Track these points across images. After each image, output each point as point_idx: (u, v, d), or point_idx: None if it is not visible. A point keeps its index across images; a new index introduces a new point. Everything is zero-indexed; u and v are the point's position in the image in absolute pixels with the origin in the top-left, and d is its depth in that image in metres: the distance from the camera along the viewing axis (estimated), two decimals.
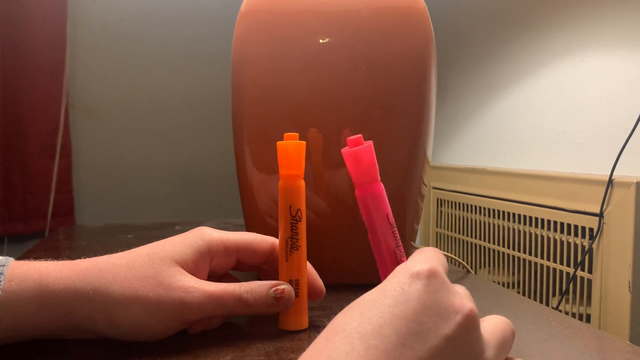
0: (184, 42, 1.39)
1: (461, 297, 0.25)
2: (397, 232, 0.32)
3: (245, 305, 0.34)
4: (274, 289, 0.35)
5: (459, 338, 0.24)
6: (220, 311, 0.34)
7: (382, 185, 0.32)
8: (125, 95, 1.37)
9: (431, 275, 0.25)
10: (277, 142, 0.36)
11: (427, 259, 0.26)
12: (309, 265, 0.38)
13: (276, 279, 0.39)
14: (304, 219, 0.36)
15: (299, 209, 0.36)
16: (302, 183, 0.37)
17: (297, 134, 0.36)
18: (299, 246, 0.36)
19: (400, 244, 0.32)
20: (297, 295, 0.36)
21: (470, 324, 0.24)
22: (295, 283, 0.36)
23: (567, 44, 0.93)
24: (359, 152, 0.31)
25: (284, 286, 0.35)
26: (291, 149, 0.36)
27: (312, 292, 0.38)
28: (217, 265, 0.36)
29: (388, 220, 0.32)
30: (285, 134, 0.36)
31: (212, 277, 0.37)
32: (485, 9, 1.16)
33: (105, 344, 0.34)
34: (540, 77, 0.99)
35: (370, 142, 0.32)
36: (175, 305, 0.32)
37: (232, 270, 0.39)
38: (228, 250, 0.36)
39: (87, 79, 1.34)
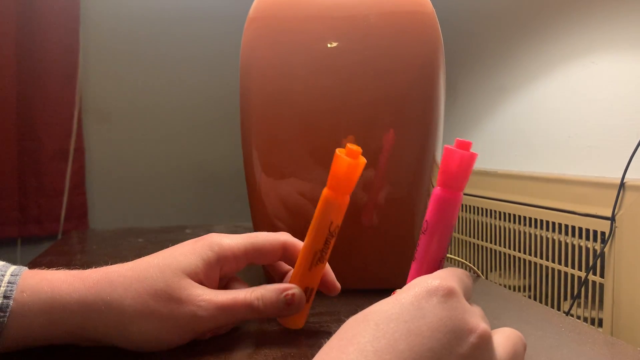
0: (195, 46, 1.40)
1: (476, 317, 0.25)
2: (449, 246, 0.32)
3: (256, 311, 0.34)
4: (285, 293, 0.35)
5: (472, 357, 0.24)
6: (232, 320, 0.34)
7: (462, 196, 0.31)
8: (138, 100, 1.38)
9: (448, 293, 0.25)
10: (337, 153, 0.34)
11: (447, 276, 0.26)
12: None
13: (283, 271, 0.39)
14: (336, 234, 0.36)
15: (338, 225, 0.35)
16: (348, 199, 0.35)
17: (360, 149, 0.34)
18: (325, 260, 0.36)
19: (445, 257, 0.32)
20: (307, 301, 0.37)
21: (484, 345, 0.25)
22: (309, 291, 0.36)
23: (577, 46, 0.92)
24: (467, 157, 0.30)
25: (294, 290, 0.35)
26: (352, 167, 0.34)
27: (328, 288, 0.38)
28: (228, 271, 0.37)
29: (451, 231, 0.31)
30: (348, 145, 0.34)
31: (222, 279, 0.37)
32: (495, 11, 1.15)
33: (113, 350, 0.34)
34: (551, 80, 0.98)
35: (477, 154, 0.30)
36: (188, 319, 0.33)
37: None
38: (237, 258, 0.36)
39: (99, 84, 1.35)
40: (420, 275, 0.30)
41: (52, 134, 1.28)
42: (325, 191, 0.35)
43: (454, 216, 0.31)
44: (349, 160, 0.33)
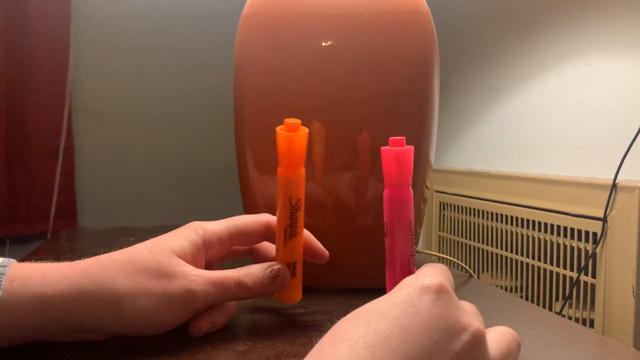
0: (187, 44, 1.40)
1: (468, 315, 0.25)
2: (414, 241, 0.32)
3: (245, 288, 0.35)
4: (270, 269, 0.36)
5: (466, 355, 0.24)
6: (223, 296, 0.35)
7: (412, 191, 0.32)
8: (128, 98, 1.37)
9: (440, 290, 0.25)
10: (277, 130, 0.35)
11: (435, 273, 0.26)
12: (307, 232, 0.39)
13: (270, 258, 0.39)
14: (303, 207, 0.37)
15: (299, 199, 0.36)
16: (303, 171, 0.36)
17: (299, 120, 0.35)
18: (298, 233, 0.37)
19: (415, 253, 0.32)
20: (293, 275, 0.37)
21: (476, 342, 0.25)
22: (292, 265, 0.37)
23: (570, 47, 0.92)
24: (402, 152, 0.31)
25: (279, 266, 0.36)
26: (295, 140, 0.35)
27: (317, 256, 0.39)
28: (213, 255, 0.37)
29: (410, 227, 0.31)
30: (286, 120, 0.35)
31: (208, 266, 0.38)
32: (488, 12, 1.16)
33: (104, 347, 0.33)
34: (544, 81, 0.98)
35: (412, 147, 0.31)
36: (181, 294, 0.33)
37: (227, 257, 0.40)
38: (221, 239, 0.37)
39: (90, 82, 1.34)
40: (395, 276, 0.31)
41: (41, 132, 1.27)
42: (278, 169, 0.36)
43: (409, 212, 0.31)
44: (286, 134, 0.35)
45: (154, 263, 0.33)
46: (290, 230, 0.36)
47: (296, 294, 0.38)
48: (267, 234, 0.38)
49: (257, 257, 0.41)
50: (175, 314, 0.33)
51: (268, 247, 0.40)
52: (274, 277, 0.36)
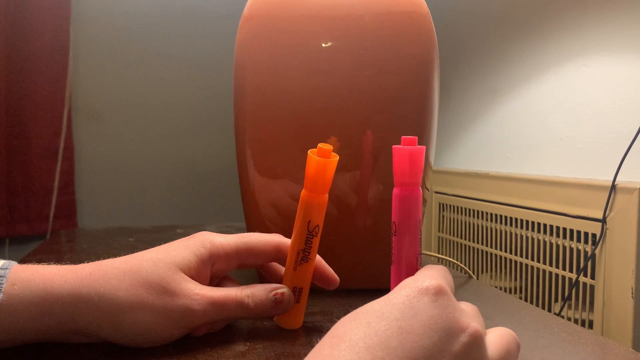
0: (187, 45, 1.40)
1: (467, 316, 0.26)
2: (421, 241, 0.32)
3: (246, 309, 0.35)
4: (274, 292, 0.36)
5: (464, 356, 0.24)
6: (223, 316, 0.35)
7: (421, 191, 0.32)
8: (128, 99, 1.37)
9: (438, 292, 0.25)
10: (309, 154, 0.34)
11: (435, 275, 0.27)
12: (318, 257, 0.38)
13: (277, 275, 0.39)
14: (319, 234, 0.36)
15: (317, 225, 0.36)
16: (326, 198, 0.36)
17: (331, 147, 0.34)
18: (310, 259, 0.36)
19: (421, 253, 0.32)
20: (298, 301, 0.37)
21: (475, 343, 0.25)
22: (298, 291, 0.37)
23: (570, 48, 0.92)
24: (415, 151, 0.31)
25: (284, 290, 0.36)
26: (326, 167, 0.34)
27: (327, 282, 0.38)
28: (218, 269, 0.37)
29: (419, 226, 0.31)
30: (320, 145, 0.34)
31: (213, 279, 0.37)
32: (488, 13, 1.16)
33: (103, 347, 0.34)
34: (543, 82, 0.98)
35: (424, 147, 0.31)
36: (181, 312, 0.33)
37: (235, 269, 0.39)
38: (229, 256, 0.36)
39: (90, 82, 1.34)
40: (401, 276, 0.30)
41: (41, 132, 1.27)
42: (302, 192, 0.35)
43: (418, 212, 0.32)
44: (317, 159, 0.34)
45: (158, 278, 0.33)
46: (302, 255, 0.36)
47: (297, 320, 0.38)
48: (277, 256, 0.38)
49: (266, 271, 0.40)
50: (173, 330, 0.33)
51: (281, 263, 0.40)
52: (278, 301, 0.35)
